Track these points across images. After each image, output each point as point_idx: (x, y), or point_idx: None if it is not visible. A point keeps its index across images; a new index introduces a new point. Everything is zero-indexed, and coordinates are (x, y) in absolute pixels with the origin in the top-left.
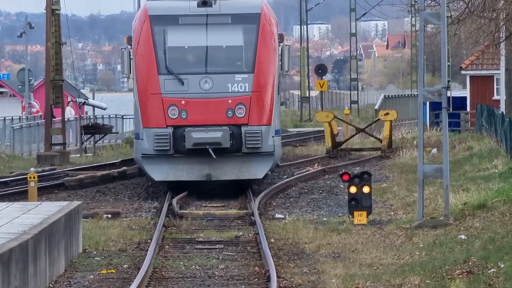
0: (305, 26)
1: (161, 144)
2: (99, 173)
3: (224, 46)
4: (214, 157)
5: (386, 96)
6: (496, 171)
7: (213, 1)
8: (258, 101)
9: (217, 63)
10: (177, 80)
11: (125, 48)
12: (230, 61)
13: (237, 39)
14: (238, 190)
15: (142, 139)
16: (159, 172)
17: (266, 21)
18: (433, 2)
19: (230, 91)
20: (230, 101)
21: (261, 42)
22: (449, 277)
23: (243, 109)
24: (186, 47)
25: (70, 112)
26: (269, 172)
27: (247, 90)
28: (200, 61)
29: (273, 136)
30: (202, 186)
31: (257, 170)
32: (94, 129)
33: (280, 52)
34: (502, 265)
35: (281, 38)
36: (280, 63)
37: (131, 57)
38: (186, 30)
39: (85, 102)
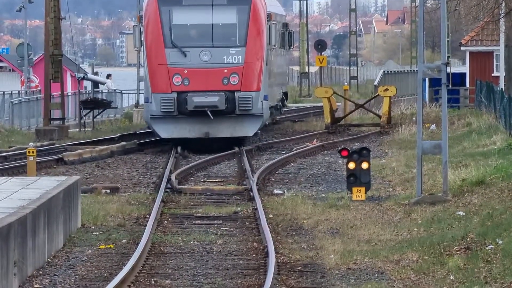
0: (304, 1)
1: (167, 106)
2: (98, 148)
3: (220, 24)
4: (212, 117)
5: (386, 72)
6: (495, 147)
7: None
8: (249, 71)
9: (214, 38)
10: (180, 52)
11: (136, 25)
12: (226, 36)
13: (231, 18)
14: (238, 165)
15: (150, 103)
16: (165, 130)
17: (256, 2)
18: None
19: (225, 62)
20: (225, 70)
21: (252, 21)
22: (447, 253)
23: (236, 77)
24: (188, 24)
25: (111, 85)
26: (259, 131)
27: (240, 62)
28: (200, 37)
29: (261, 101)
30: (202, 143)
31: (248, 129)
32: (93, 104)
33: (268, 29)
34: (500, 242)
35: (269, 17)
36: (268, 38)
37: (142, 32)
38: (188, 10)
39: (84, 77)
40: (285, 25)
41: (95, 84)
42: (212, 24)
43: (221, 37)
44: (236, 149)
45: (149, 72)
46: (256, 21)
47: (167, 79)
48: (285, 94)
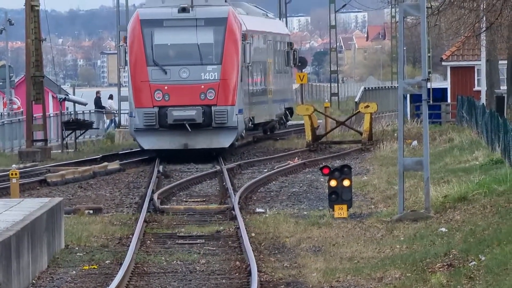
0: (284, 19)
1: (149, 120)
2: (80, 168)
3: (198, 44)
4: (190, 130)
5: (366, 88)
6: (477, 163)
7: (190, 8)
8: (224, 87)
9: (193, 57)
10: (161, 70)
11: (121, 45)
12: (203, 55)
13: (208, 38)
14: (220, 184)
15: (134, 117)
16: (147, 142)
17: (231, 23)
18: None
19: (203, 79)
20: (202, 86)
21: (227, 40)
22: (430, 270)
23: (213, 93)
24: (169, 44)
25: (113, 104)
26: (236, 143)
27: (216, 78)
28: (180, 55)
29: (236, 114)
30: (182, 154)
31: (224, 141)
32: (75, 125)
33: (243, 48)
34: (483, 258)
35: (244, 37)
36: (243, 57)
37: (126, 52)
38: (169, 31)
39: (65, 98)
40: (290, 44)
41: (99, 104)
42: (191, 44)
43: (199, 55)
44: (218, 168)
45: (132, 89)
46: (231, 41)
47: (149, 95)
48: (290, 109)
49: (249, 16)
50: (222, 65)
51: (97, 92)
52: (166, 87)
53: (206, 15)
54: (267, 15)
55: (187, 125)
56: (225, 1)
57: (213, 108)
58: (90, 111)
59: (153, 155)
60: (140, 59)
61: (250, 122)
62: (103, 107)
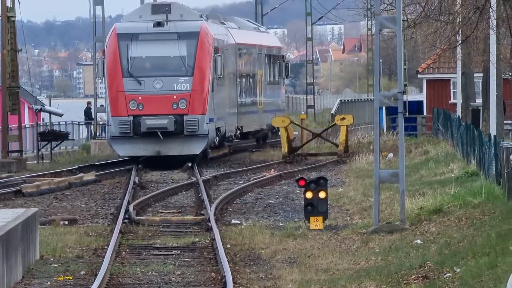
0: None
1: (124, 128)
2: (56, 179)
3: (172, 56)
4: (162, 138)
5: (343, 100)
6: (452, 175)
7: (165, 23)
8: (196, 97)
9: (166, 68)
10: (136, 81)
11: (100, 58)
12: (176, 67)
13: (181, 51)
14: (196, 196)
15: (110, 125)
16: (122, 149)
17: (203, 37)
18: (389, 6)
19: (175, 89)
20: (175, 96)
21: (199, 53)
22: (405, 282)
23: (184, 102)
24: (144, 56)
25: (104, 116)
26: (209, 150)
27: (188, 89)
28: (154, 67)
29: (207, 123)
30: (155, 160)
31: (195, 148)
32: (51, 136)
33: (214, 61)
34: (458, 270)
35: (216, 50)
36: (214, 68)
37: (104, 64)
38: (144, 44)
39: (41, 109)
40: (281, 57)
41: (89, 115)
42: (164, 56)
43: (172, 67)
44: (194, 179)
45: (109, 98)
46: (203, 54)
47: (124, 104)
48: None
49: (241, 30)
50: (193, 76)
51: (88, 103)
52: (140, 97)
53: (179, 29)
54: (259, 29)
55: (159, 133)
56: (201, 16)
57: (184, 117)
58: (66, 122)
59: (130, 166)
60: (116, 70)
61: (238, 131)
62: (93, 118)
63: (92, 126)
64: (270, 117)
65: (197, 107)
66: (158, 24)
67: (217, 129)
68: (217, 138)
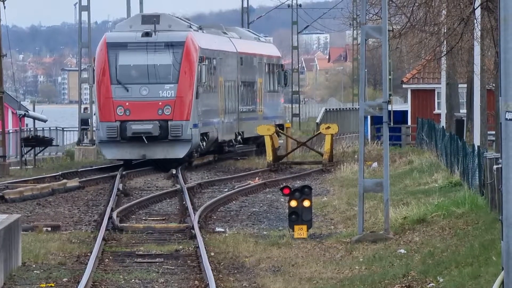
0: None
1: (111, 133)
2: (39, 185)
3: (158, 64)
4: (146, 142)
5: (328, 109)
6: (436, 185)
7: (153, 33)
8: (180, 103)
9: (152, 76)
10: (123, 88)
11: (90, 65)
12: (162, 75)
13: (167, 59)
14: (180, 203)
15: (99, 130)
16: (110, 153)
17: (189, 47)
18: (374, 16)
19: (160, 96)
20: (160, 103)
21: (184, 62)
22: None
23: (169, 109)
24: (131, 65)
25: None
26: (196, 154)
27: (172, 96)
28: (141, 75)
29: (191, 128)
30: (141, 162)
31: (179, 152)
32: (34, 142)
33: (199, 69)
34: (441, 280)
35: (201, 59)
36: (199, 76)
37: (94, 72)
38: (132, 53)
39: (25, 114)
40: (281, 66)
41: (85, 121)
42: (151, 64)
43: (158, 75)
44: (178, 186)
45: (98, 104)
46: (187, 62)
47: (112, 110)
48: (281, 126)
49: (242, 39)
50: (178, 84)
51: (85, 109)
52: (127, 103)
53: (166, 39)
54: (259, 39)
55: (144, 137)
56: (190, 27)
57: (169, 122)
58: (50, 128)
59: (114, 173)
60: (105, 78)
61: (239, 137)
62: (89, 124)
63: (84, 132)
64: (270, 123)
65: (181, 113)
66: (146, 34)
67: (205, 134)
68: (204, 143)
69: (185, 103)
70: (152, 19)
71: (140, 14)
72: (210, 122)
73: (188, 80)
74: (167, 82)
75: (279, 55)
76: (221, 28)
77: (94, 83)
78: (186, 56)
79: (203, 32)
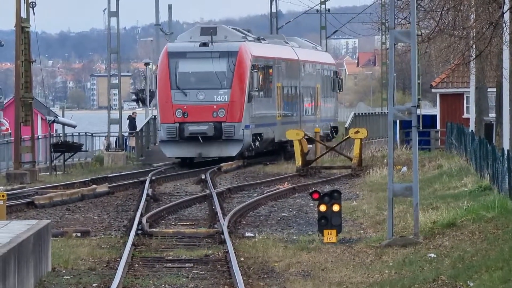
0: None
1: (171, 133)
2: (68, 191)
3: (213, 72)
4: (202, 141)
5: (357, 114)
6: (466, 189)
7: (209, 43)
8: (233, 107)
9: (208, 82)
10: (182, 93)
11: (153, 73)
12: (217, 81)
13: (222, 67)
14: (209, 208)
15: (160, 130)
16: (170, 151)
17: (242, 55)
18: (403, 20)
19: (215, 100)
20: (215, 106)
21: (237, 69)
22: None
23: (223, 111)
24: (190, 72)
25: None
26: (247, 153)
27: (226, 100)
28: (198, 81)
29: (242, 129)
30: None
31: (232, 150)
32: (64, 147)
33: (251, 76)
34: (472, 284)
35: (253, 66)
36: (251, 82)
37: (157, 78)
38: (190, 61)
39: (54, 120)
40: (335, 73)
41: (133, 125)
42: (207, 72)
43: (213, 81)
44: (207, 191)
45: (159, 108)
46: (240, 70)
47: (172, 113)
48: (335, 128)
49: (301, 48)
50: (231, 89)
51: (133, 113)
52: (185, 107)
53: (221, 49)
54: (316, 48)
55: (200, 137)
56: (246, 37)
57: (223, 124)
58: (79, 133)
59: (144, 178)
60: (166, 84)
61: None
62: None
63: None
64: (326, 125)
65: (233, 115)
66: (204, 44)
67: (258, 135)
68: (257, 143)
69: (238, 106)
70: (209, 31)
71: (199, 26)
72: (265, 123)
73: (240, 86)
74: (222, 87)
75: (333, 62)
76: (283, 38)
77: (156, 88)
78: (239, 64)
79: (261, 42)
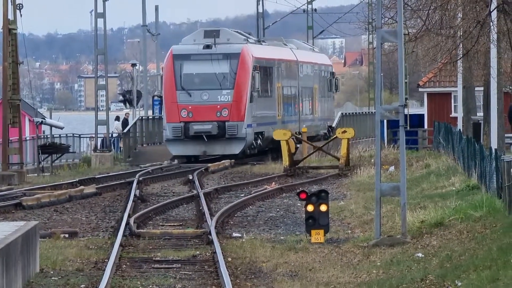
0: None
1: (176, 132)
2: (56, 192)
3: (217, 73)
4: (206, 140)
5: (344, 113)
6: (454, 189)
7: (213, 45)
8: (235, 107)
9: (212, 83)
10: (187, 93)
11: (159, 74)
12: (220, 82)
13: (225, 68)
14: (196, 209)
15: (165, 130)
16: (175, 149)
17: (244, 57)
18: (390, 19)
19: (219, 100)
20: (218, 106)
21: (239, 70)
22: None
23: (226, 111)
24: (194, 73)
25: (119, 126)
26: (249, 151)
27: (229, 100)
28: (202, 82)
29: (245, 128)
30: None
31: (235, 148)
32: (51, 149)
33: (253, 76)
34: (459, 283)
35: (255, 68)
36: (253, 83)
37: (162, 79)
38: (194, 63)
39: (42, 121)
40: (332, 73)
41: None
42: (211, 73)
43: (217, 82)
44: (195, 192)
45: (165, 108)
46: (243, 71)
47: (177, 113)
48: (331, 127)
49: (299, 50)
50: (234, 89)
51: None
52: (190, 107)
53: (224, 51)
54: (313, 50)
55: (204, 136)
56: (247, 40)
57: (226, 123)
58: (66, 134)
59: (131, 179)
60: (171, 85)
61: (300, 135)
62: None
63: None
64: (323, 125)
65: (236, 115)
66: (207, 46)
67: (260, 134)
68: (259, 141)
69: (240, 106)
70: (212, 34)
71: (203, 29)
72: (266, 122)
73: (243, 86)
74: (225, 88)
75: (330, 63)
76: (282, 40)
77: (161, 89)
78: (241, 66)
79: (261, 44)
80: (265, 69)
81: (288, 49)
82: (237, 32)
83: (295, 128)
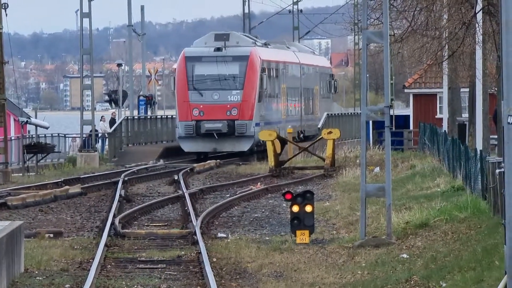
0: None
1: (188, 130)
2: (41, 192)
3: (227, 74)
4: (217, 137)
5: (329, 114)
6: (439, 190)
7: (223, 48)
8: (244, 106)
9: (222, 84)
10: (199, 93)
11: (172, 75)
12: (230, 82)
13: (234, 70)
14: (182, 209)
15: (178, 128)
16: (187, 146)
17: (252, 59)
18: (376, 20)
19: (229, 100)
20: (228, 105)
21: (248, 72)
22: None
23: (236, 110)
24: (205, 74)
25: (104, 126)
26: (255, 148)
27: (238, 100)
28: (213, 83)
29: (254, 126)
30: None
31: (244, 146)
32: (36, 148)
33: (260, 78)
34: (444, 284)
35: (263, 69)
36: (261, 84)
37: (175, 80)
38: (206, 64)
39: (27, 121)
40: (331, 75)
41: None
42: (221, 74)
43: (227, 83)
44: (180, 192)
45: (177, 107)
46: (251, 72)
47: (189, 112)
48: (318, 128)
49: (301, 52)
50: (243, 90)
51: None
52: (201, 106)
53: (234, 53)
54: (313, 52)
55: (215, 134)
56: (255, 43)
57: (235, 121)
58: (52, 134)
59: (116, 179)
60: (183, 85)
61: (302, 135)
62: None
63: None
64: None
65: (245, 114)
66: (218, 49)
67: None
68: None
69: (249, 105)
70: (223, 37)
71: (213, 32)
72: (272, 121)
73: (251, 87)
74: (234, 88)
75: (329, 66)
76: (285, 43)
77: (174, 89)
78: (250, 67)
79: (267, 47)
80: (272, 71)
81: (291, 52)
82: (245, 35)
83: (298, 127)
